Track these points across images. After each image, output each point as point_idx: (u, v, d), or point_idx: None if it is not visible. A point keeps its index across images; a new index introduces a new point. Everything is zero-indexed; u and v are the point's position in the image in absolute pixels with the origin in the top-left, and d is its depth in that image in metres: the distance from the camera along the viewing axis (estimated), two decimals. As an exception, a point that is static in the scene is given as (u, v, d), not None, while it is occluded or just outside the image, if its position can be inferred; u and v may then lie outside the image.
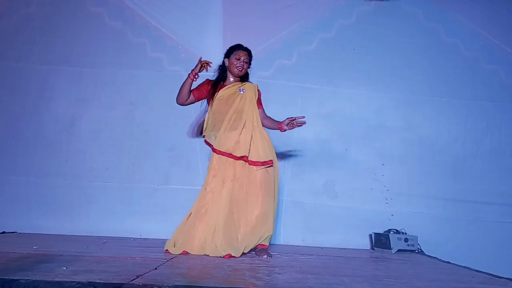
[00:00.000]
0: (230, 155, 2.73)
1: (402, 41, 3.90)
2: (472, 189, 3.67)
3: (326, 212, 3.61)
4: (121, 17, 3.90)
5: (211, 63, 2.81)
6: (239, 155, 2.71)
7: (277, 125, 2.80)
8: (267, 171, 2.74)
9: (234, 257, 2.49)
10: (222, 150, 2.74)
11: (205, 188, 2.76)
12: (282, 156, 3.71)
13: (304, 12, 3.93)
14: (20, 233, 3.41)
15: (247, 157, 2.72)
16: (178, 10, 3.92)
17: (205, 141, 2.87)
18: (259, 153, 2.74)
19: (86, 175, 3.67)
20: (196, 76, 2.78)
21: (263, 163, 2.72)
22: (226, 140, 2.75)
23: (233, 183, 2.69)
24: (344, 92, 3.84)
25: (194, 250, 2.61)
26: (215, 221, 2.62)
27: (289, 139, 3.73)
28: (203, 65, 2.79)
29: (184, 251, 2.61)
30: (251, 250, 2.65)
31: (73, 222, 3.53)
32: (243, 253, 2.57)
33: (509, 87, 3.86)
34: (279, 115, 3.79)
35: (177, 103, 2.85)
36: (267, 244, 2.71)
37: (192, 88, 2.82)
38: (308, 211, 3.64)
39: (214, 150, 2.79)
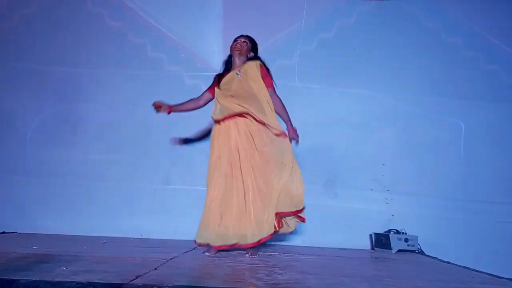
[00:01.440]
0: (235, 115, 2.70)
1: (402, 41, 3.90)
2: (472, 189, 3.67)
3: (326, 212, 3.61)
4: (121, 17, 3.91)
5: (160, 105, 2.85)
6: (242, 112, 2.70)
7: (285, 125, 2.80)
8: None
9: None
10: (226, 114, 2.72)
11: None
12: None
13: (304, 12, 3.93)
14: (20, 233, 3.42)
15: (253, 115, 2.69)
16: (178, 10, 3.92)
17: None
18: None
19: (87, 175, 3.67)
20: (169, 109, 2.87)
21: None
22: (229, 106, 2.74)
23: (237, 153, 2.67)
24: (344, 92, 3.83)
25: None
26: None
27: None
28: (156, 108, 2.85)
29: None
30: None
31: (73, 222, 3.54)
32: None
33: (509, 87, 3.85)
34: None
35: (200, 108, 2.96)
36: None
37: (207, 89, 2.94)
38: (308, 211, 3.61)
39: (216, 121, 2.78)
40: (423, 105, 3.83)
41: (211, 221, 2.61)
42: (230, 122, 2.73)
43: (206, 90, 2.94)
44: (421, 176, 3.71)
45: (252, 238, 2.55)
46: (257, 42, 2.96)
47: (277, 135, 2.71)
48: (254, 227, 2.57)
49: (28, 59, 3.85)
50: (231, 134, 2.71)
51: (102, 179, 3.66)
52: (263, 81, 2.76)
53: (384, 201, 3.65)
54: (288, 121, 2.81)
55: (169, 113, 2.87)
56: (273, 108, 2.74)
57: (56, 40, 3.88)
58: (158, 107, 2.83)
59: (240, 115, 2.71)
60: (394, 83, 3.85)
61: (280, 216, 2.67)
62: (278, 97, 2.80)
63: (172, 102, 3.10)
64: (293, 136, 2.78)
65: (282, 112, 2.79)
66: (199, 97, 2.94)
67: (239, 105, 2.70)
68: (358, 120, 3.80)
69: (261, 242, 2.57)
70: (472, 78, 3.87)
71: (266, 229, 2.58)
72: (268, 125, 2.69)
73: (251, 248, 2.61)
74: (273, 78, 2.85)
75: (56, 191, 3.64)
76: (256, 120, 2.69)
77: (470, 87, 3.86)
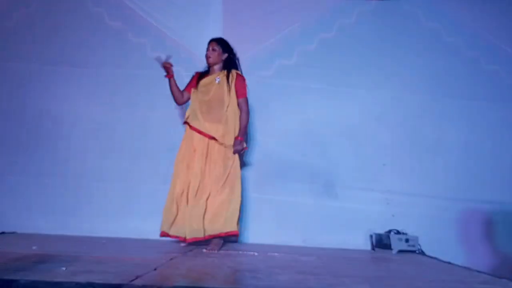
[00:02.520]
0: (201, 132, 2.87)
1: (402, 41, 3.90)
2: (472, 189, 3.67)
3: (326, 213, 3.61)
4: (121, 17, 3.90)
5: (171, 64, 2.94)
6: (211, 134, 2.86)
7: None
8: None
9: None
10: (195, 126, 2.88)
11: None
12: (281, 156, 3.71)
13: (304, 12, 3.93)
14: (20, 233, 3.41)
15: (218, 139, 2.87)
16: (178, 10, 3.92)
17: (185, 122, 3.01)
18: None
19: (87, 175, 3.67)
20: (171, 75, 2.95)
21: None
22: (199, 121, 2.89)
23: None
24: (344, 92, 3.83)
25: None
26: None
27: (288, 139, 3.73)
28: (166, 66, 2.92)
29: None
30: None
31: (73, 222, 3.53)
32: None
33: (509, 87, 3.86)
34: (279, 115, 3.81)
35: (177, 105, 3.13)
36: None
37: (185, 87, 3.08)
38: (308, 212, 3.64)
39: (188, 125, 2.94)
40: (423, 105, 3.83)
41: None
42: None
43: (184, 89, 3.06)
44: (422, 176, 3.71)
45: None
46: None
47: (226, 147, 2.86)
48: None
49: (28, 59, 3.84)
50: (194, 137, 2.90)
51: (102, 179, 3.66)
52: (237, 90, 2.91)
53: (384, 201, 3.65)
54: (243, 128, 2.90)
55: (169, 77, 2.96)
56: (237, 119, 2.89)
57: (56, 40, 3.87)
58: (166, 67, 2.90)
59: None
60: (394, 83, 3.85)
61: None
62: (247, 108, 2.95)
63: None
64: (237, 145, 2.85)
65: (244, 121, 2.91)
66: (185, 94, 3.09)
67: (207, 124, 2.87)
68: (358, 120, 3.80)
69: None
70: (473, 78, 3.87)
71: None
72: (222, 139, 2.85)
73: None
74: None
75: (56, 191, 3.63)
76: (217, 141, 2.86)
77: (470, 87, 3.86)
